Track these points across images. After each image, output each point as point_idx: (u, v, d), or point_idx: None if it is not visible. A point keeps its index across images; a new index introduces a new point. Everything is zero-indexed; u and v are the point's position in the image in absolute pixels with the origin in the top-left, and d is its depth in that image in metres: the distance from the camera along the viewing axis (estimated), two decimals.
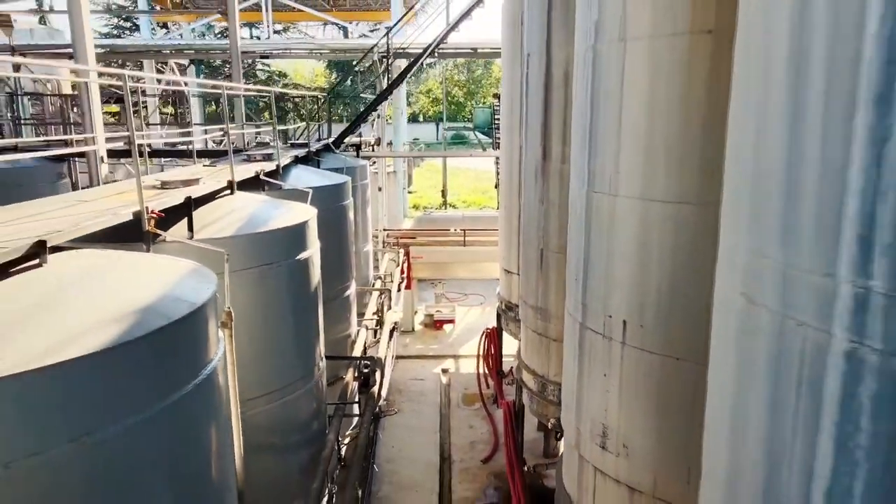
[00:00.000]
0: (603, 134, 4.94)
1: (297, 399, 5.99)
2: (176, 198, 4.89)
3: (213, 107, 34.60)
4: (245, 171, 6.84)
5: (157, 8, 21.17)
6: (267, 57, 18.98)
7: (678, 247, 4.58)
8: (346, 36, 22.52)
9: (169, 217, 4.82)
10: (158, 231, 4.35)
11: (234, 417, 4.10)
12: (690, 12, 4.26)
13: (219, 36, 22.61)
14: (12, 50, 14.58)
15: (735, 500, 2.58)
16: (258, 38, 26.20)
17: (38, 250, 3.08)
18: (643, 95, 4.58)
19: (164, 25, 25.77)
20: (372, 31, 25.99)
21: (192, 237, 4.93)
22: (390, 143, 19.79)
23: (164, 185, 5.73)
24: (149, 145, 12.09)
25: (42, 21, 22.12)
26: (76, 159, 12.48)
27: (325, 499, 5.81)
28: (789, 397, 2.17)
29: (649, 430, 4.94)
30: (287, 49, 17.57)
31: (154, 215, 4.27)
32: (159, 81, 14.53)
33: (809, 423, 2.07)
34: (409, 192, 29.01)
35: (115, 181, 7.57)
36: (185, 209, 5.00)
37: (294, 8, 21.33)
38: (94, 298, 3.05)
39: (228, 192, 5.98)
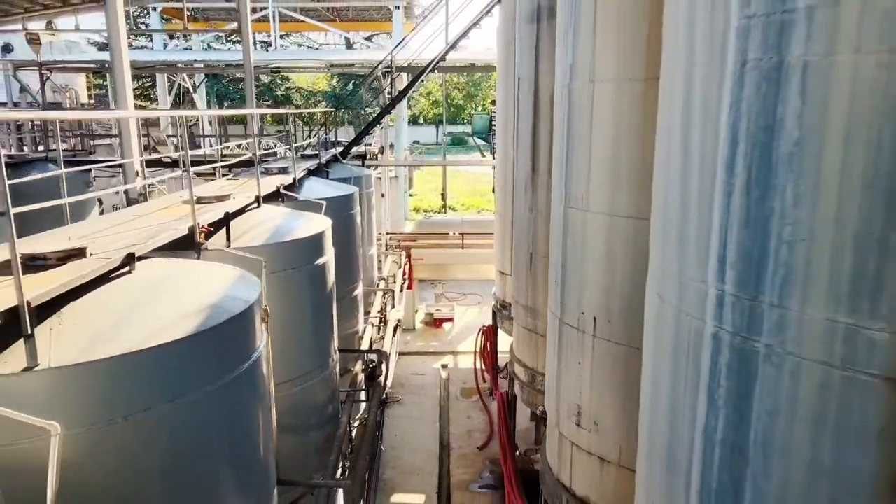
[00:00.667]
0: (577, 159, 5.86)
1: (314, 385, 6.89)
2: (217, 213, 5.80)
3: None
4: (267, 184, 7.74)
5: (172, 20, 22.09)
6: (278, 71, 19.86)
7: (637, 254, 5.48)
8: (348, 45, 23.41)
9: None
10: (206, 242, 5.26)
11: (272, 397, 5.01)
12: (645, 62, 5.17)
13: (227, 44, 23.51)
14: (39, 65, 15.49)
15: (652, 449, 3.51)
16: (265, 43, 27.09)
17: (129, 260, 4.00)
18: (609, 128, 5.49)
19: (171, 36, 26.68)
20: (368, 38, 26.88)
21: (229, 245, 5.84)
22: (392, 146, 20.66)
23: (201, 201, 6.65)
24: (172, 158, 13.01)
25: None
26: (99, 169, 13.37)
27: (340, 470, 6.72)
28: (683, 368, 3.09)
29: (616, 409, 5.85)
30: (297, 63, 18.45)
31: (203, 229, 5.18)
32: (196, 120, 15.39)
33: (694, 385, 2.99)
34: (410, 195, 29.94)
35: (151, 192, 8.47)
36: (223, 221, 5.91)
37: (298, 19, 22.23)
38: (174, 297, 3.96)
39: (255, 205, 6.89)
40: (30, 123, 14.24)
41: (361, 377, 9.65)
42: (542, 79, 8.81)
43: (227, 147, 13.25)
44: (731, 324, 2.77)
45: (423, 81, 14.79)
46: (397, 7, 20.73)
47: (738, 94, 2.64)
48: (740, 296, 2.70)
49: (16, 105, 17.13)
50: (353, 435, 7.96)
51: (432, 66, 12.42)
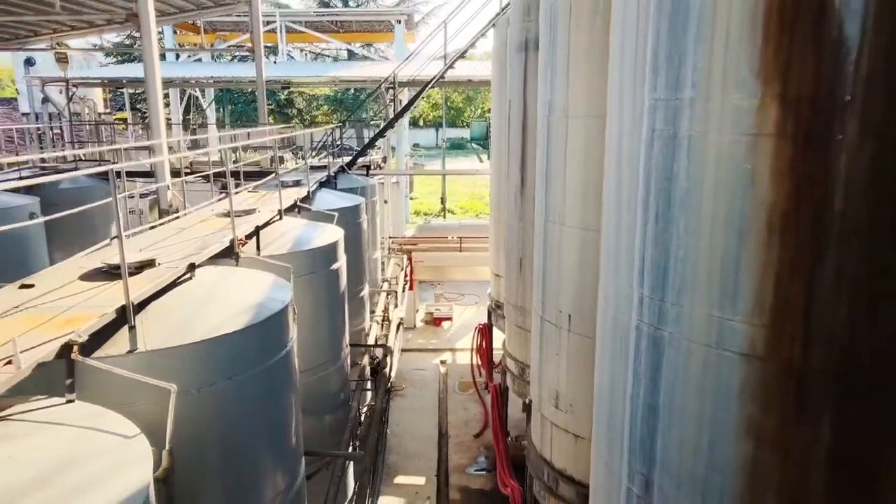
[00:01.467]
0: (554, 181, 6.90)
1: (329, 374, 7.93)
2: (248, 226, 6.84)
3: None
4: (286, 198, 8.76)
5: (183, 32, 23.14)
6: (288, 86, 20.90)
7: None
8: (349, 56, 24.43)
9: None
10: (242, 251, 6.30)
11: (298, 383, 6.05)
12: (607, 101, 6.18)
13: (234, 59, 24.50)
14: (66, 81, 16.53)
15: (600, 415, 4.54)
16: (269, 48, 28.17)
17: (191, 269, 5.03)
18: (580, 156, 6.52)
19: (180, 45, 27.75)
20: (364, 46, 27.89)
21: (259, 254, 6.87)
22: (394, 148, 21.67)
23: (230, 214, 7.68)
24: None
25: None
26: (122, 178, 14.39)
27: (351, 448, 7.75)
28: (619, 352, 4.12)
29: (587, 393, 6.87)
30: (306, 79, 19.49)
31: (241, 241, 6.21)
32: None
33: (625, 364, 4.03)
34: (411, 199, 30.99)
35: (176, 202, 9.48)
36: (254, 233, 6.94)
37: (303, 31, 23.26)
38: (226, 298, 5.00)
39: (278, 217, 7.92)
40: (60, 135, 15.26)
41: (368, 369, 10.69)
42: (529, 103, 9.82)
43: (241, 154, 14.26)
44: (647, 318, 3.80)
45: (422, 98, 15.79)
46: (398, 21, 21.77)
47: (649, 153, 3.68)
48: (653, 298, 3.74)
49: (38, 115, 18.16)
50: (362, 419, 8.99)
51: (431, 84, 13.42)
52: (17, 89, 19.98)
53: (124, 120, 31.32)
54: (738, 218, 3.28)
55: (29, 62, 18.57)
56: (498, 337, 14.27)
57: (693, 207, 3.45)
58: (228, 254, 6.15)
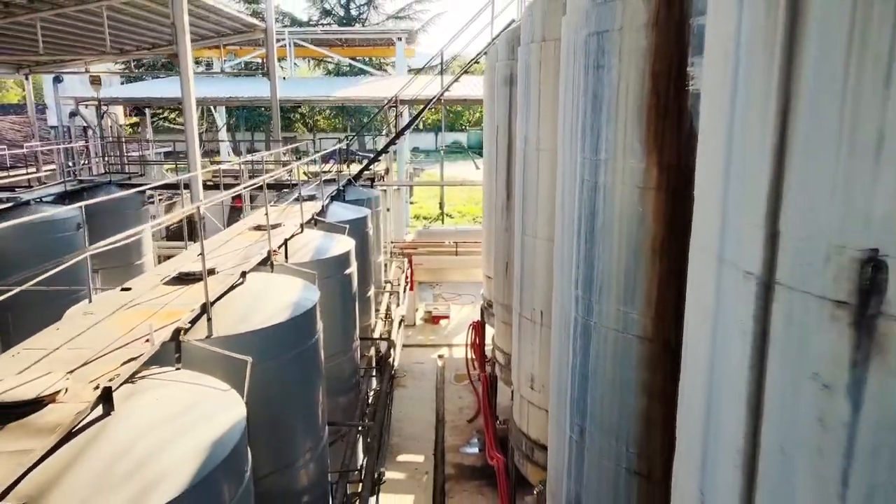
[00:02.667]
0: (529, 201, 8.42)
1: (343, 362, 9.43)
2: (279, 238, 8.35)
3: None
4: (305, 211, 10.27)
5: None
6: (299, 105, 22.45)
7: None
8: (352, 71, 25.95)
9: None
10: (275, 259, 7.81)
11: (323, 366, 7.56)
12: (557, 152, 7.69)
13: (239, 66, 25.98)
14: (98, 101, 18.05)
15: (552, 387, 6.06)
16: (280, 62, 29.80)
17: (243, 276, 6.54)
18: (548, 182, 8.02)
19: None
20: (362, 58, 29.46)
21: (287, 261, 8.38)
22: (395, 152, 23.20)
23: (260, 227, 9.20)
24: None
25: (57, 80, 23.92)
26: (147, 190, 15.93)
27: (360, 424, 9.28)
28: (565, 337, 5.64)
29: None
30: (314, 99, 21.03)
31: (275, 251, 7.73)
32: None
33: (567, 344, 5.55)
34: (411, 203, 32.52)
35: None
36: (283, 244, 8.46)
37: (309, 47, 24.79)
38: (270, 298, 6.51)
39: (300, 230, 9.43)
40: (94, 151, 16.81)
41: (374, 360, 12.21)
42: (513, 129, 11.32)
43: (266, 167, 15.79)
44: (581, 312, 5.33)
45: (421, 118, 17.31)
46: (399, 38, 23.31)
47: (580, 195, 5.20)
48: (584, 297, 5.26)
49: (67, 130, 19.69)
50: (369, 401, 10.52)
51: (428, 105, 14.94)
52: (45, 104, 21.54)
53: (134, 125, 33.01)
54: (634, 243, 4.81)
55: (57, 79, 20.07)
56: (490, 333, 15.79)
57: (607, 235, 4.98)
58: (265, 262, 7.66)
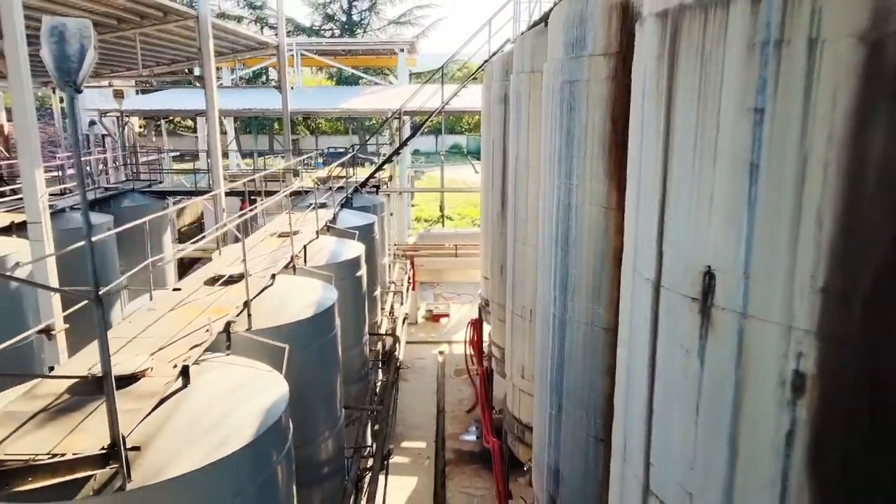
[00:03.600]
0: (520, 212, 9.52)
1: (354, 354, 10.54)
2: (299, 244, 9.46)
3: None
4: (320, 219, 11.38)
5: None
6: (309, 116, 23.57)
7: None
8: (356, 83, 27.06)
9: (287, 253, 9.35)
10: (297, 263, 8.93)
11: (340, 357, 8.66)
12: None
13: (248, 75, 27.06)
14: (121, 112, 19.17)
15: (536, 372, 7.18)
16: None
17: (272, 278, 7.65)
18: (534, 194, 9.11)
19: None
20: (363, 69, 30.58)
21: (305, 264, 9.49)
22: (396, 154, 24.35)
23: (280, 235, 10.31)
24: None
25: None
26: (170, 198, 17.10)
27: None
28: (547, 330, 6.76)
29: None
30: (323, 110, 22.13)
31: (297, 255, 8.83)
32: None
33: (547, 336, 6.67)
34: (412, 206, 33.63)
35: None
36: (303, 249, 9.56)
37: (315, 58, 25.89)
38: (297, 296, 7.61)
39: (316, 237, 10.54)
40: (111, 159, 17.92)
41: (381, 354, 13.32)
42: (507, 145, 12.42)
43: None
44: (558, 309, 6.44)
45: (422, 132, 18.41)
46: (401, 49, 24.42)
47: (557, 213, 6.32)
48: (560, 297, 6.38)
49: (86, 138, 20.79)
50: (377, 391, 11.64)
51: (428, 119, 16.05)
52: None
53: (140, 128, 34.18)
54: (600, 252, 5.93)
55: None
56: (487, 330, 16.88)
57: (579, 246, 6.09)
58: (288, 265, 8.77)
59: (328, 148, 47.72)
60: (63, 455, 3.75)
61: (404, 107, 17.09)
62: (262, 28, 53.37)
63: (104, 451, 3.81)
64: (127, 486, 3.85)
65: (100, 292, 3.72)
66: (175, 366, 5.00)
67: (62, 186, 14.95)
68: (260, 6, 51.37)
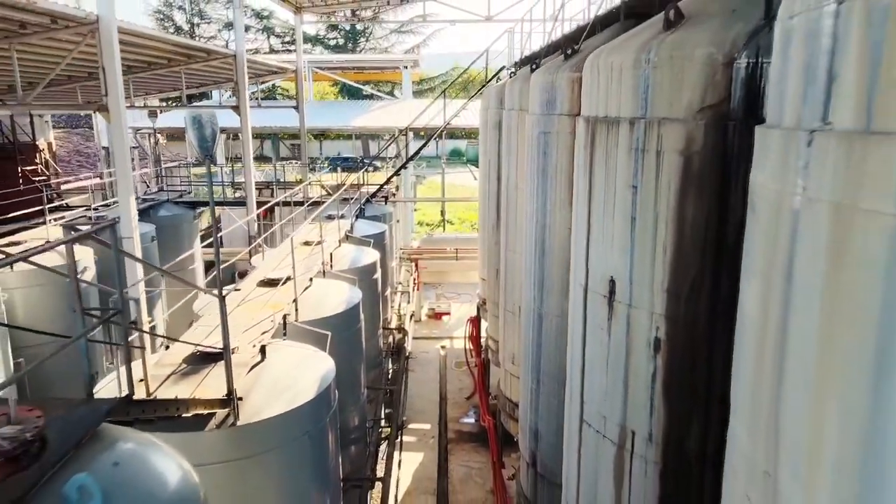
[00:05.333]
0: (511, 225, 11.44)
1: (371, 345, 12.42)
2: (328, 252, 11.36)
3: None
4: (340, 229, 13.27)
5: None
6: (324, 133, 25.51)
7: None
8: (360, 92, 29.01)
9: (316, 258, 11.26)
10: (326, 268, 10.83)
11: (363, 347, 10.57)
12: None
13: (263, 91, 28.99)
14: (154, 130, 21.09)
15: (520, 357, 9.09)
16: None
17: (310, 281, 9.54)
18: (521, 211, 11.02)
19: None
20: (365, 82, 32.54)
21: (332, 269, 11.39)
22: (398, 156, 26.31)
23: (308, 244, 12.22)
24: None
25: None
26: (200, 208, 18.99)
27: (383, 392, 12.31)
28: (528, 321, 8.68)
29: None
30: (335, 127, 24.04)
31: (330, 261, 10.74)
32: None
33: (529, 326, 8.60)
34: (415, 210, 35.56)
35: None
36: (330, 257, 11.46)
37: (324, 74, 27.80)
38: (330, 295, 9.51)
39: (339, 245, 12.44)
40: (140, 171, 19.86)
41: (391, 346, 15.24)
42: (501, 166, 14.33)
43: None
44: (536, 305, 8.36)
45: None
46: (406, 66, 26.35)
47: (536, 230, 8.23)
48: (538, 295, 8.29)
49: None
50: (389, 375, 13.55)
51: (431, 138, 17.97)
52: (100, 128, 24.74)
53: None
54: (566, 262, 7.82)
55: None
56: (484, 326, 18.78)
57: (552, 256, 8.01)
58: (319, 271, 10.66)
59: (337, 153, 49.76)
60: (195, 399, 5.66)
61: (410, 125, 19.00)
62: (268, 37, 55.41)
63: (223, 399, 5.71)
64: (237, 423, 5.74)
65: (224, 293, 5.62)
66: (254, 345, 6.90)
67: (110, 200, 16.81)
68: (267, 16, 53.22)
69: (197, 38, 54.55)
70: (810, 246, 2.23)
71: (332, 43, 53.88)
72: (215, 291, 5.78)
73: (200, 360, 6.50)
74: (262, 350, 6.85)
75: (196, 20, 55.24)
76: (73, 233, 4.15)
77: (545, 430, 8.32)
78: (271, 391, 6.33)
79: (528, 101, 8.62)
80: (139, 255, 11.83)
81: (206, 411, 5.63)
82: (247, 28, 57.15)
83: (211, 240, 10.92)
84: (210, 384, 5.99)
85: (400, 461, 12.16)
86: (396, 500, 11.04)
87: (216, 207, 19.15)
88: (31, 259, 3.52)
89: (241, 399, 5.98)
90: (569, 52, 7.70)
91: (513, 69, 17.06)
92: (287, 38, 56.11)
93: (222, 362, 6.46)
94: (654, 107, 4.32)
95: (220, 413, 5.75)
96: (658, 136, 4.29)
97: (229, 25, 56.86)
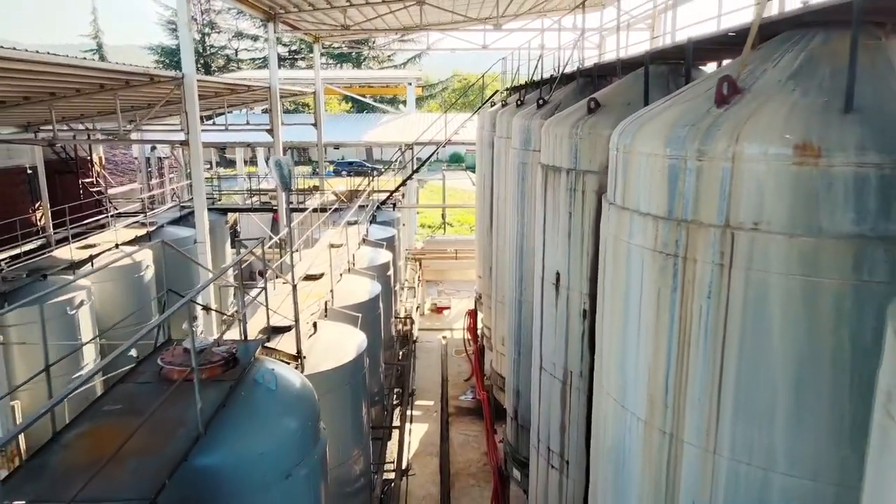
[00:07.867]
0: (500, 231, 13.99)
1: (386, 330, 14.98)
2: (351, 253, 13.89)
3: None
4: (359, 233, 15.79)
5: None
6: (338, 147, 28.06)
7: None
8: (371, 111, 31.60)
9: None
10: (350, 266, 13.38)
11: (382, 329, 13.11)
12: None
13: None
14: (183, 143, 23.77)
15: (506, 336, 11.64)
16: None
17: (340, 276, 12.07)
18: (508, 222, 13.57)
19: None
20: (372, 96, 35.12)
21: (354, 266, 13.93)
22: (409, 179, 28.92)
23: (333, 245, 14.78)
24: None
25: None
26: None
27: (395, 368, 14.88)
28: (511, 308, 11.23)
29: None
30: (349, 141, 26.66)
31: (352, 261, 13.27)
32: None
33: (512, 311, 11.15)
34: (417, 213, 38.13)
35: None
36: (353, 257, 14.00)
37: (334, 89, 30.35)
38: (357, 287, 12.05)
39: (359, 247, 14.97)
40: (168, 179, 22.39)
41: (400, 334, 17.81)
42: (494, 180, 16.85)
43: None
44: (517, 294, 10.91)
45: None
46: (410, 83, 28.90)
47: (517, 240, 10.79)
48: (519, 287, 10.85)
49: (147, 160, 25.28)
50: (400, 357, 16.11)
51: (432, 154, 20.47)
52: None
53: None
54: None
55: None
56: (480, 317, 21.29)
57: (529, 256, 10.57)
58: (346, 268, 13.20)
59: (342, 157, 52.37)
60: (282, 351, 8.20)
61: (415, 141, 21.52)
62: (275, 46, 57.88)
63: (294, 355, 8.25)
64: (303, 373, 8.28)
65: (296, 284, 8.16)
66: (307, 323, 9.44)
67: (158, 208, 19.33)
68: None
69: (208, 48, 57.08)
70: (611, 259, 4.80)
71: (337, 52, 56.40)
72: (289, 281, 8.30)
73: (272, 331, 9.04)
74: (315, 325, 9.41)
75: (207, 31, 57.83)
76: (160, 242, 6.67)
77: (524, 390, 10.86)
78: (323, 353, 8.88)
79: (512, 135, 11.17)
80: (208, 256, 14.34)
81: (286, 361, 8.17)
82: (255, 38, 59.74)
83: (245, 239, 13.31)
84: (283, 346, 8.54)
85: (410, 429, 14.71)
86: (409, 451, 13.58)
87: (244, 212, 21.63)
88: (114, 261, 6.06)
89: (304, 357, 8.52)
90: (540, 102, 10.25)
91: (506, 92, 19.55)
92: (293, 47, 58.77)
93: (288, 333, 9.04)
94: (580, 162, 6.87)
95: (292, 364, 8.29)
96: (583, 181, 6.84)
97: (239, 35, 59.66)
